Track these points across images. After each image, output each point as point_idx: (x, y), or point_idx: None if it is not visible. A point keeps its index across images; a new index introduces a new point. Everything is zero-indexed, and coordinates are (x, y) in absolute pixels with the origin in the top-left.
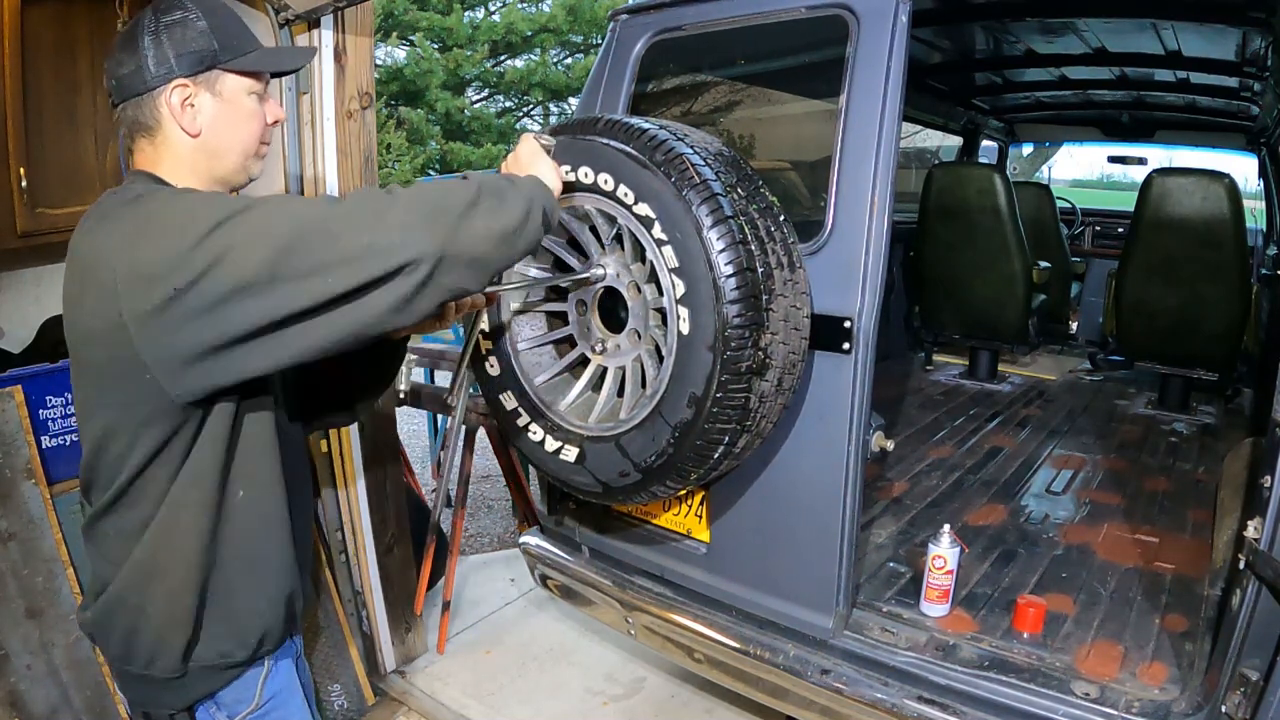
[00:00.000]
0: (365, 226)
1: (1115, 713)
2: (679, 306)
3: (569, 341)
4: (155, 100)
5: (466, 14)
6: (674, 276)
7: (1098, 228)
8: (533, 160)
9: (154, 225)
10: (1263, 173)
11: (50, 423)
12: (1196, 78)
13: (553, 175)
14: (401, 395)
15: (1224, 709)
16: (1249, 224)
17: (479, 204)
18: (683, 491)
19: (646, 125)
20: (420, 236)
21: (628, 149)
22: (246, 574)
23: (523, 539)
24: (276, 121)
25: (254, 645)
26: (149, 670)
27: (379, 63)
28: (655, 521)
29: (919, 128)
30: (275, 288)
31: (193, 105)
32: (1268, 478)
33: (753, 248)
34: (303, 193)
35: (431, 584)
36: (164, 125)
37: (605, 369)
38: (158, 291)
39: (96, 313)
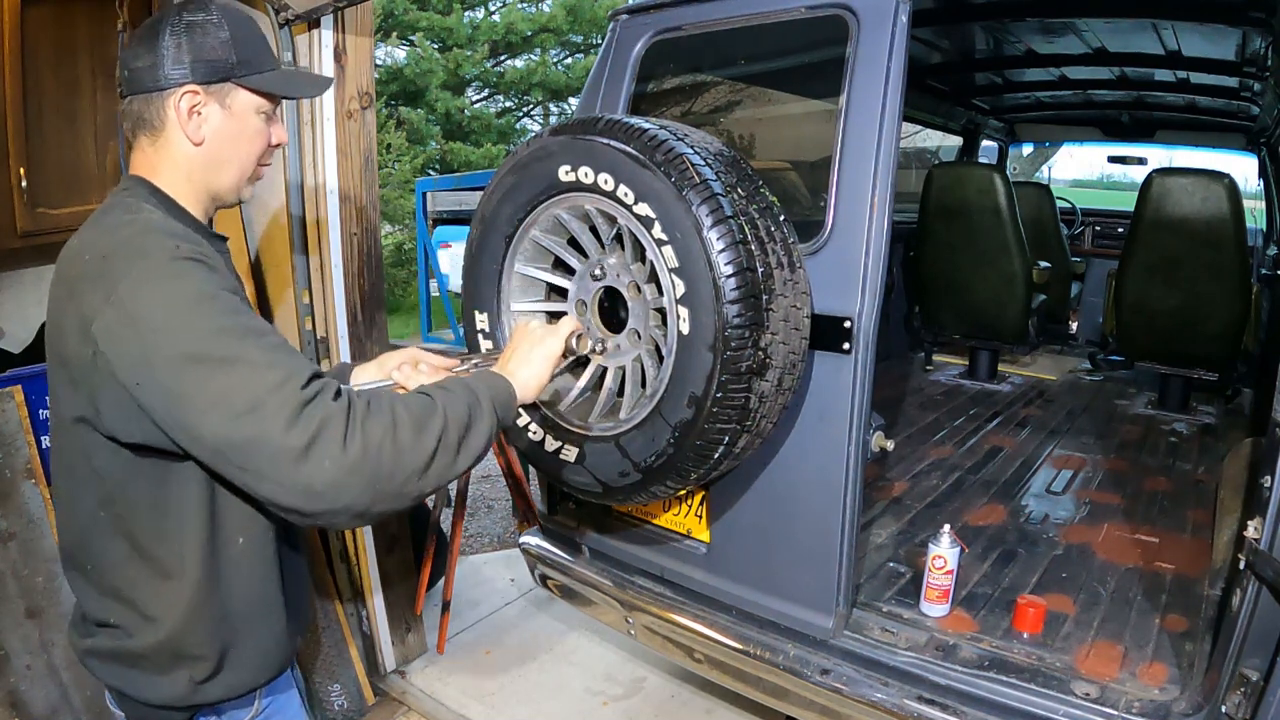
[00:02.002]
0: (314, 462)
1: (1115, 713)
2: (679, 306)
3: None
4: (164, 100)
5: (466, 14)
6: (674, 276)
7: (1098, 228)
8: (530, 357)
9: (142, 302)
10: (1263, 173)
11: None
12: (1196, 78)
13: (539, 381)
14: None
15: (1224, 709)
16: (1249, 224)
17: (433, 465)
18: (683, 491)
19: (646, 125)
20: (358, 495)
21: (628, 149)
22: (254, 619)
23: (523, 539)
24: (279, 144)
25: (263, 681)
26: (150, 701)
27: (379, 63)
28: (655, 521)
29: (919, 128)
30: (216, 458)
31: (200, 114)
32: (1268, 478)
33: (753, 248)
34: (303, 199)
35: (431, 584)
36: (168, 128)
37: (605, 369)
38: (124, 373)
39: (75, 343)
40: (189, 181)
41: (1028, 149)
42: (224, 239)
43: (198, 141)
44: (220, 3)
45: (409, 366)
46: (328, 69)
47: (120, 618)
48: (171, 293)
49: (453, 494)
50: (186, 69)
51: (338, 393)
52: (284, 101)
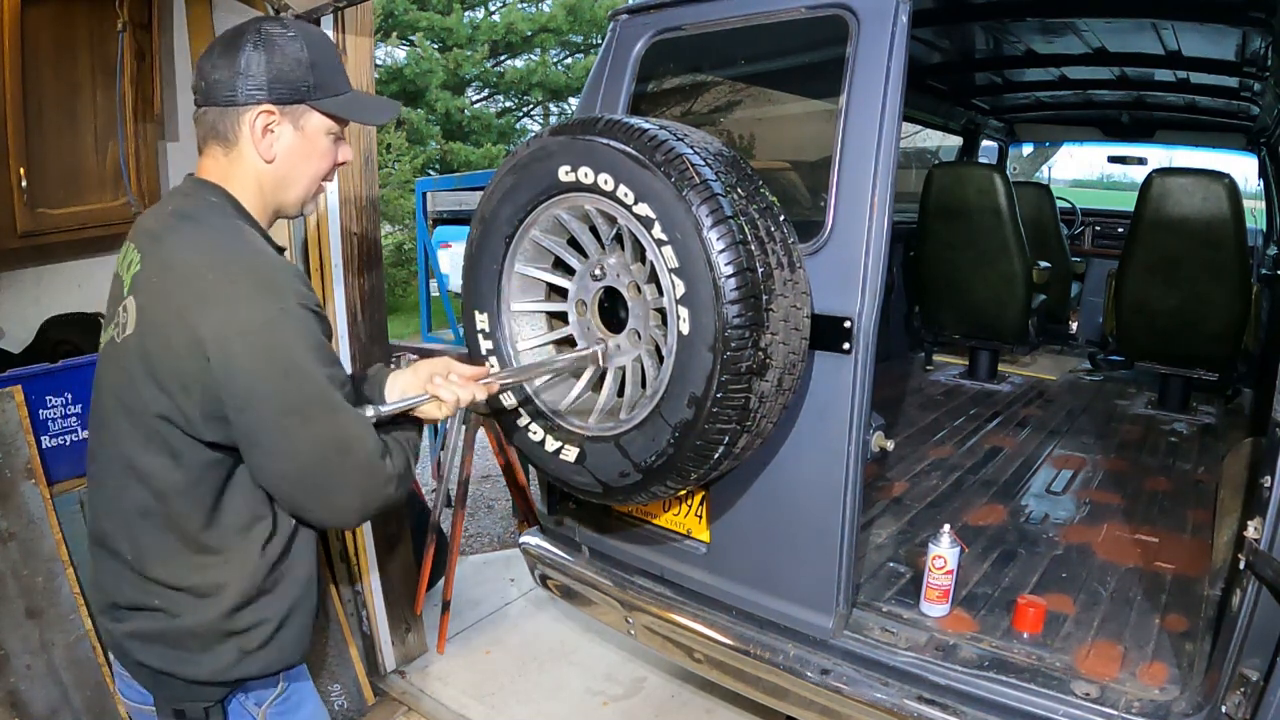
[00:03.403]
0: (377, 492)
1: (1115, 713)
2: (679, 306)
3: (569, 342)
4: (239, 116)
5: (466, 14)
6: (674, 276)
7: (1098, 228)
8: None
9: (265, 343)
10: (1263, 173)
11: (50, 423)
12: (1196, 78)
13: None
14: None
15: (1224, 709)
16: (1249, 224)
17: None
18: (683, 491)
19: (646, 125)
20: (377, 508)
21: (627, 149)
22: (299, 599)
23: (523, 539)
24: (345, 162)
25: (297, 660)
26: (195, 678)
27: (379, 63)
28: (655, 521)
29: (919, 128)
30: (279, 483)
31: (273, 132)
32: (1268, 478)
33: (753, 248)
34: None
35: (431, 584)
36: (241, 143)
37: (605, 369)
38: (231, 397)
39: (179, 352)
40: (259, 195)
41: (1028, 149)
42: (282, 250)
43: (269, 159)
44: (299, 23)
45: (440, 377)
46: None
47: (166, 601)
48: (298, 338)
49: (453, 494)
50: (264, 88)
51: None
52: None
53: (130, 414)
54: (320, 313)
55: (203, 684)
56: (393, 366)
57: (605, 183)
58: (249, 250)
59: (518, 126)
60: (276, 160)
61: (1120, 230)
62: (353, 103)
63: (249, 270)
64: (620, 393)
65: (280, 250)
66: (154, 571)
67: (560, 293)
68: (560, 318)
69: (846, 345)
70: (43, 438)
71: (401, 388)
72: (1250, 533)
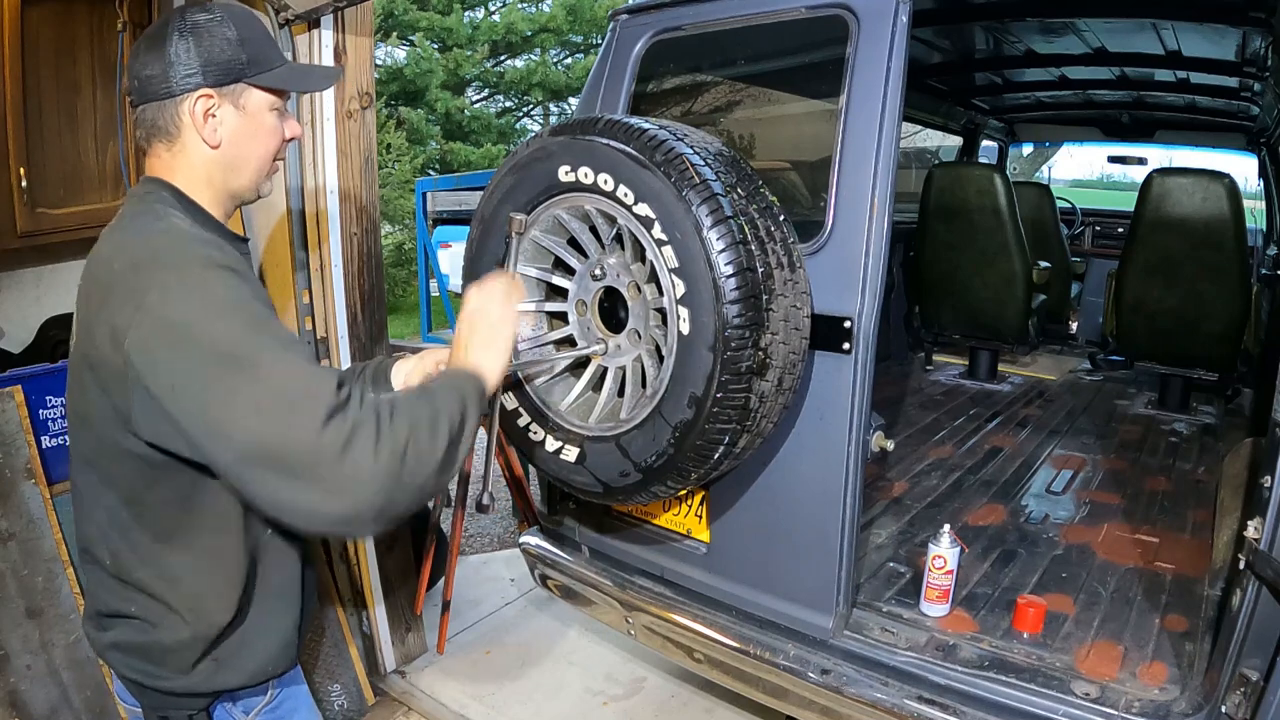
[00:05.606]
0: (349, 463)
1: (1115, 713)
2: (679, 306)
3: (569, 342)
4: (178, 107)
5: (466, 14)
6: (674, 276)
7: (1098, 228)
8: (494, 346)
9: (173, 310)
10: (1263, 173)
11: (50, 423)
12: (1196, 78)
13: (504, 365)
14: None
15: (1224, 709)
16: (1249, 224)
17: (443, 462)
18: (683, 491)
19: (646, 125)
20: (387, 495)
21: (627, 149)
22: (279, 607)
23: (523, 539)
24: (294, 138)
25: (281, 670)
26: (173, 690)
27: (379, 63)
28: (655, 521)
29: (919, 128)
30: (245, 462)
31: (215, 116)
32: (1268, 478)
33: (753, 248)
34: (303, 199)
35: (431, 584)
36: (184, 134)
37: (605, 369)
38: (156, 382)
39: (105, 351)
40: (209, 184)
41: (1028, 149)
42: (245, 240)
43: (215, 144)
44: (223, 2)
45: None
46: None
47: (142, 608)
48: (202, 300)
49: (453, 494)
50: (198, 73)
51: (361, 399)
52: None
53: (87, 420)
54: (240, 270)
55: (182, 695)
56: (397, 356)
57: (605, 183)
58: (155, 231)
59: (518, 126)
60: (223, 145)
61: (1120, 230)
62: (291, 73)
63: (149, 250)
64: (620, 393)
65: (243, 241)
66: (131, 576)
67: (560, 293)
68: (560, 318)
69: (846, 345)
70: (43, 438)
71: (405, 375)
72: (1250, 533)
